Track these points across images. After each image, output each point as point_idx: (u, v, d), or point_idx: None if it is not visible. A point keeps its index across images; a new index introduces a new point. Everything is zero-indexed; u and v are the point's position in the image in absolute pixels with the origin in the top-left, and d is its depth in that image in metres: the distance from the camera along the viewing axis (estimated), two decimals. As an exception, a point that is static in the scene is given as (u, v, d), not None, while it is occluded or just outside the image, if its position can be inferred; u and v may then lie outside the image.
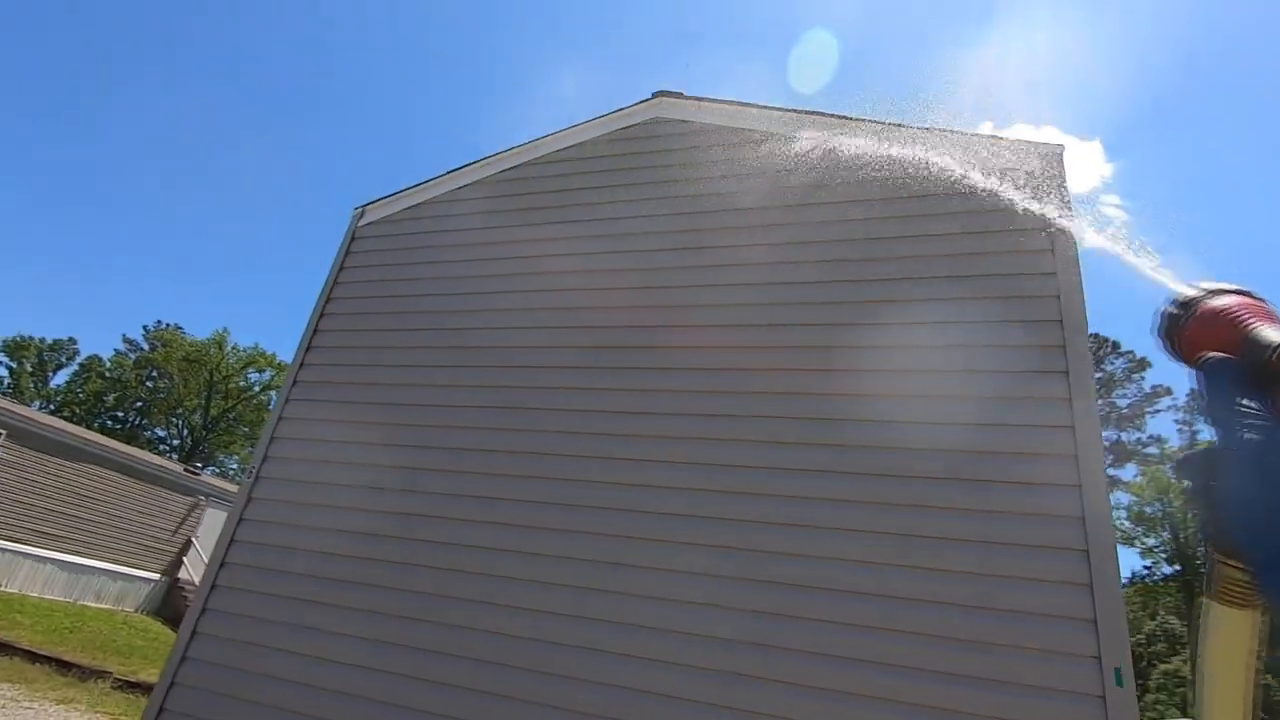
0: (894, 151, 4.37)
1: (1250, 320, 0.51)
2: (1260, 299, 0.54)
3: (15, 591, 15.89)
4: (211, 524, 20.79)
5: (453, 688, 3.90)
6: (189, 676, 4.42)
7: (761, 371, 4.19)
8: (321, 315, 5.53)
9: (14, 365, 43.39)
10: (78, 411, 41.92)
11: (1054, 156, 4.10)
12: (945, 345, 3.88)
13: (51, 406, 42.24)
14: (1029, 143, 4.25)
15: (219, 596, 4.66)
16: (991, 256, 4.03)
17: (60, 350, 45.12)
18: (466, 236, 5.53)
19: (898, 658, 3.26)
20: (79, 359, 45.22)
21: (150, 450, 29.03)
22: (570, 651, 3.73)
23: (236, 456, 47.98)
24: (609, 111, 5.55)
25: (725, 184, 4.92)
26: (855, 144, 4.59)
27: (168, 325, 46.10)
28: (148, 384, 44.76)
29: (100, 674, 11.56)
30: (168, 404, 44.37)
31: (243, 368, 45.98)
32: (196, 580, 18.99)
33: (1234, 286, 0.56)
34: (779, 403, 4.03)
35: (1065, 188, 3.96)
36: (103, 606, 17.48)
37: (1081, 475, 3.31)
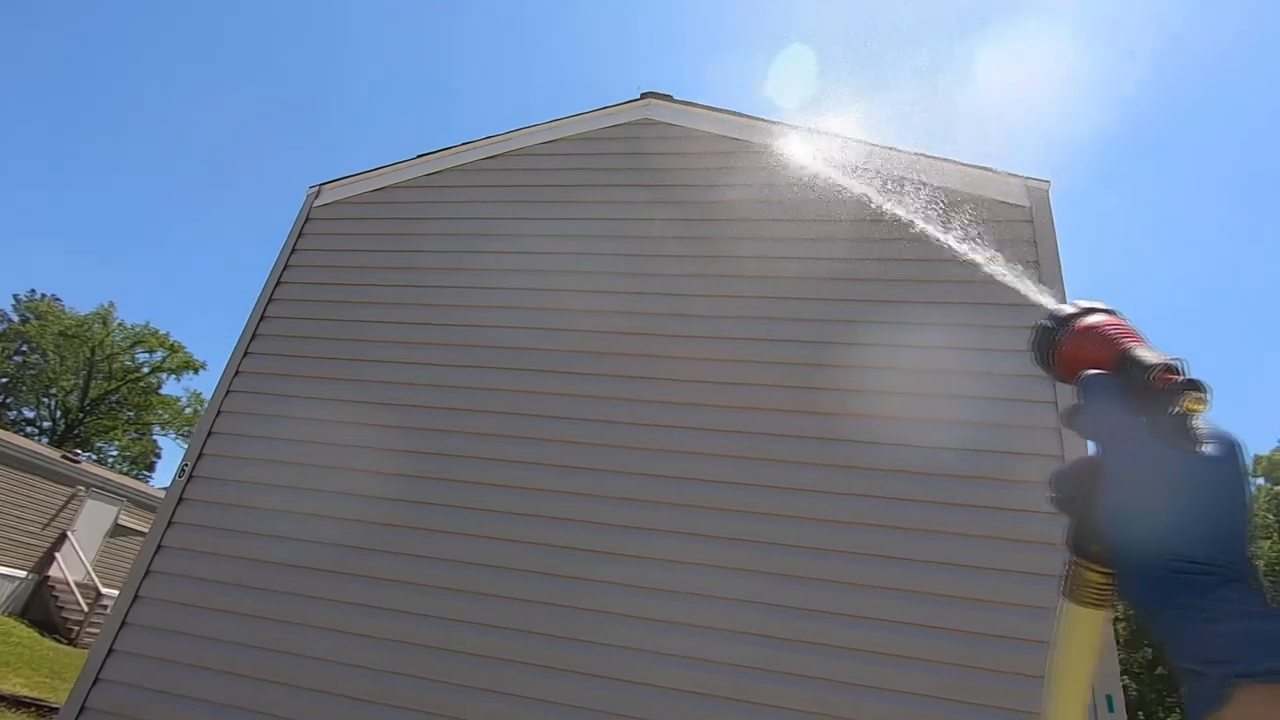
0: (870, 193, 4.41)
1: (1126, 340, 0.54)
2: (1125, 319, 0.58)
3: None
4: (92, 516, 18.91)
5: (412, 710, 3.62)
6: (103, 700, 3.90)
7: (749, 386, 4.13)
8: (270, 300, 5.07)
9: None
10: (-73, 386, 37.29)
11: (1040, 193, 4.25)
12: (944, 349, 3.94)
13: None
14: (1014, 176, 4.40)
15: (141, 609, 4.16)
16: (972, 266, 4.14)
17: (-92, 316, 39.98)
18: (435, 225, 5.22)
19: (888, 681, 3.26)
20: (-69, 327, 40.23)
21: (15, 432, 26.15)
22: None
23: (117, 443, 44.05)
24: (594, 109, 5.37)
25: (712, 191, 4.84)
26: (835, 173, 4.63)
27: (44, 295, 41.76)
28: (15, 358, 40.38)
29: (-45, 686, 10.23)
30: (40, 382, 40.14)
31: (130, 346, 42.22)
32: (71, 580, 17.23)
33: (1103, 305, 0.59)
34: (772, 419, 3.98)
35: (1051, 224, 4.11)
36: (-45, 607, 15.53)
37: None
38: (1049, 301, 0.63)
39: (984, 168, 4.57)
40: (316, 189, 5.48)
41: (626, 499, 3.94)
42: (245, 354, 4.89)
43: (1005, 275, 0.73)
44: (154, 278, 64.58)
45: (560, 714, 3.47)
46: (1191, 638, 0.43)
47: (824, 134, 4.93)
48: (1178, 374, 0.50)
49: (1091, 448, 0.54)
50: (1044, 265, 4.00)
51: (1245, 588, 0.43)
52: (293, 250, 5.26)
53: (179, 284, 66.58)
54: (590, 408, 4.27)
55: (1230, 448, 0.47)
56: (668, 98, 5.30)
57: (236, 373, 4.85)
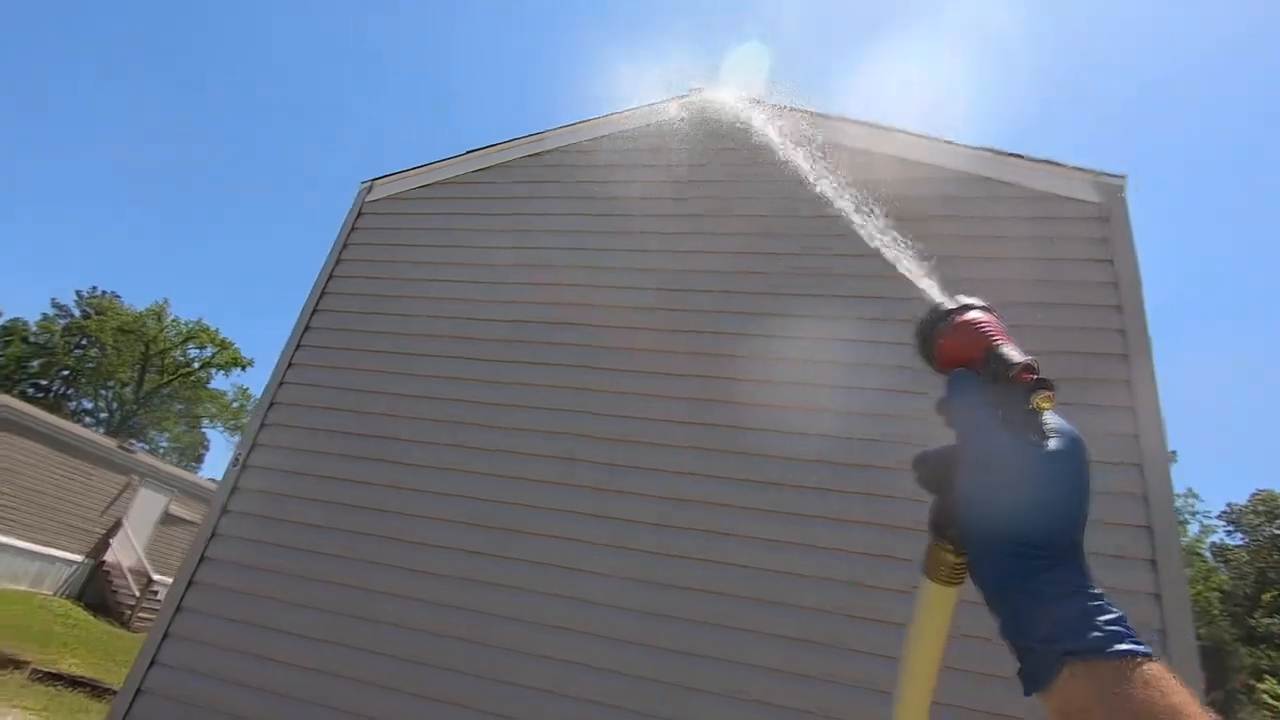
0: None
1: (995, 337, 0.57)
2: (998, 316, 0.60)
3: (-81, 568, 14.58)
4: (145, 505, 19.56)
5: (460, 707, 3.60)
6: (159, 683, 3.98)
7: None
8: (322, 294, 5.13)
9: (-76, 323, 40.18)
10: (-6, 376, 39.11)
11: (1113, 189, 4.05)
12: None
13: (-36, 369, 39.30)
14: (1085, 172, 4.20)
15: (195, 595, 4.23)
16: (1046, 241, 4.00)
17: (-22, 310, 41.94)
18: (479, 221, 5.22)
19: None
20: (0, 320, 42.19)
21: (75, 423, 27.20)
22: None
23: (168, 434, 45.61)
24: (645, 104, 5.32)
25: (741, 187, 4.74)
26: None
27: (104, 292, 43.49)
28: (76, 352, 42.10)
29: (17, 663, 10.64)
30: (98, 375, 41.79)
31: (182, 342, 43.69)
32: (124, 565, 17.84)
33: (980, 302, 0.61)
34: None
35: (1126, 222, 3.92)
36: (18, 589, 16.20)
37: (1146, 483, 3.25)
38: (935, 296, 0.65)
39: (1050, 161, 4.38)
40: (369, 184, 5.54)
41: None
42: (298, 346, 4.95)
43: (910, 269, 0.73)
44: (206, 274, 66.83)
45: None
46: (1024, 619, 0.46)
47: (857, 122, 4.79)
48: (1034, 373, 0.53)
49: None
50: (1119, 266, 3.81)
51: (1076, 570, 0.46)
52: (345, 245, 5.32)
53: (230, 280, 68.81)
54: (632, 402, 4.21)
55: (1073, 443, 0.51)
56: (716, 91, 5.21)
57: (289, 364, 4.91)
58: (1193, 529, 33.32)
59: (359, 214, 5.45)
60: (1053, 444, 0.50)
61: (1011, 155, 4.48)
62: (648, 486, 3.94)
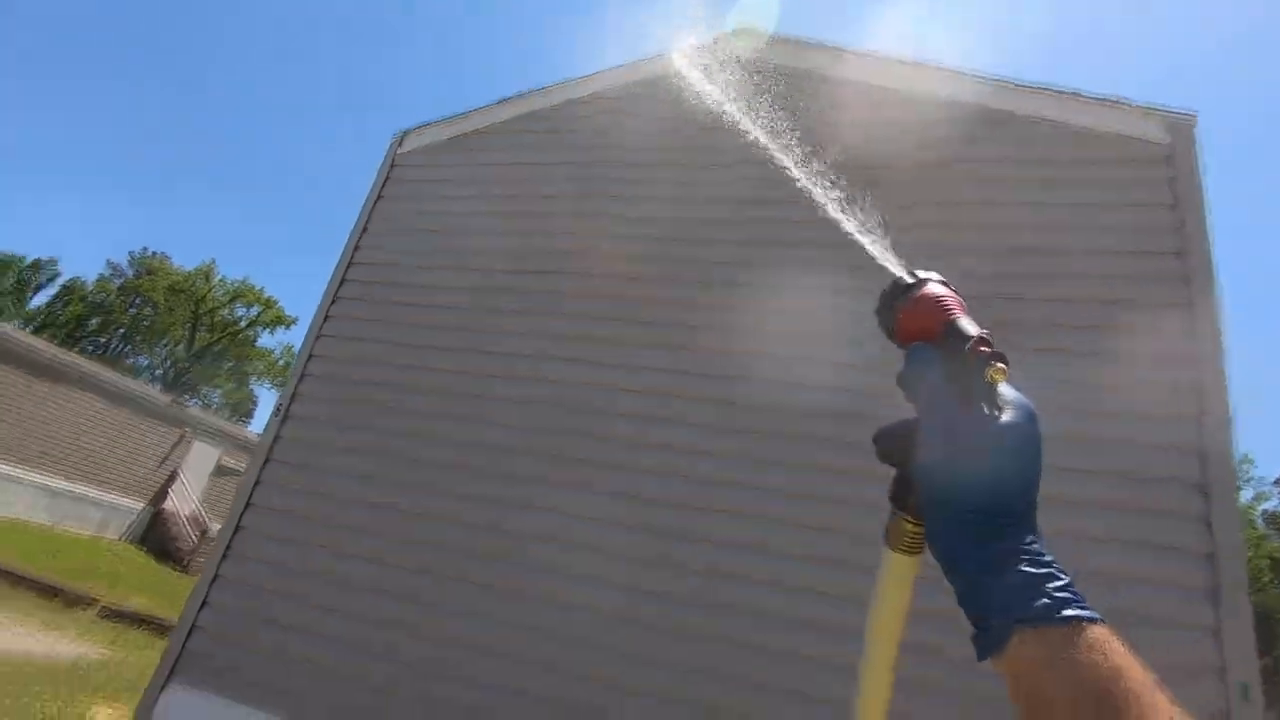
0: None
1: (955, 310, 0.59)
2: (954, 290, 0.61)
3: (-4, 513, 15.51)
4: (199, 457, 20.44)
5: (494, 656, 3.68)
6: (209, 620, 4.16)
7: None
8: (356, 248, 5.15)
9: (-7, 283, 41.98)
10: (58, 334, 40.89)
11: (1183, 129, 3.77)
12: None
13: (31, 327, 41.16)
14: (1152, 110, 3.92)
15: (241, 539, 4.38)
16: (1109, 184, 3.75)
17: (41, 270, 43.73)
18: (514, 172, 5.14)
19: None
20: (60, 280, 43.93)
21: (133, 379, 28.37)
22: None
23: (219, 390, 47.33)
24: (680, 46, 5.12)
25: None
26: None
27: (155, 253, 44.85)
28: (131, 310, 43.72)
29: (87, 601, 11.33)
30: (152, 333, 43.40)
31: (229, 301, 44.99)
32: (183, 512, 18.74)
33: (937, 276, 0.62)
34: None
35: (1196, 168, 3.65)
36: (84, 533, 17.18)
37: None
38: (893, 268, 0.65)
39: (1115, 100, 4.10)
40: (400, 136, 5.49)
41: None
42: (334, 300, 5.00)
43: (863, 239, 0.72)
44: (249, 234, 68.28)
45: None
46: (977, 586, 0.47)
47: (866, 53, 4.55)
48: (989, 346, 0.54)
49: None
50: (1185, 209, 3.56)
51: (1027, 538, 0.48)
52: (378, 198, 5.31)
53: (272, 238, 70.19)
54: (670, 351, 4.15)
55: (1026, 414, 0.53)
56: (762, 32, 4.99)
57: (326, 318, 4.97)
58: (1246, 495, 32.33)
59: (391, 166, 5.42)
60: (1006, 415, 0.52)
61: (1071, 94, 4.20)
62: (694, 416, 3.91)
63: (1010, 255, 3.81)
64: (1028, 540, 0.48)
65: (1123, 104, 4.03)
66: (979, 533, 0.48)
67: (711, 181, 4.63)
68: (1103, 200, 3.78)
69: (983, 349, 0.54)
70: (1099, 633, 0.43)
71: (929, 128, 4.23)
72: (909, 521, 0.59)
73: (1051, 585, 0.45)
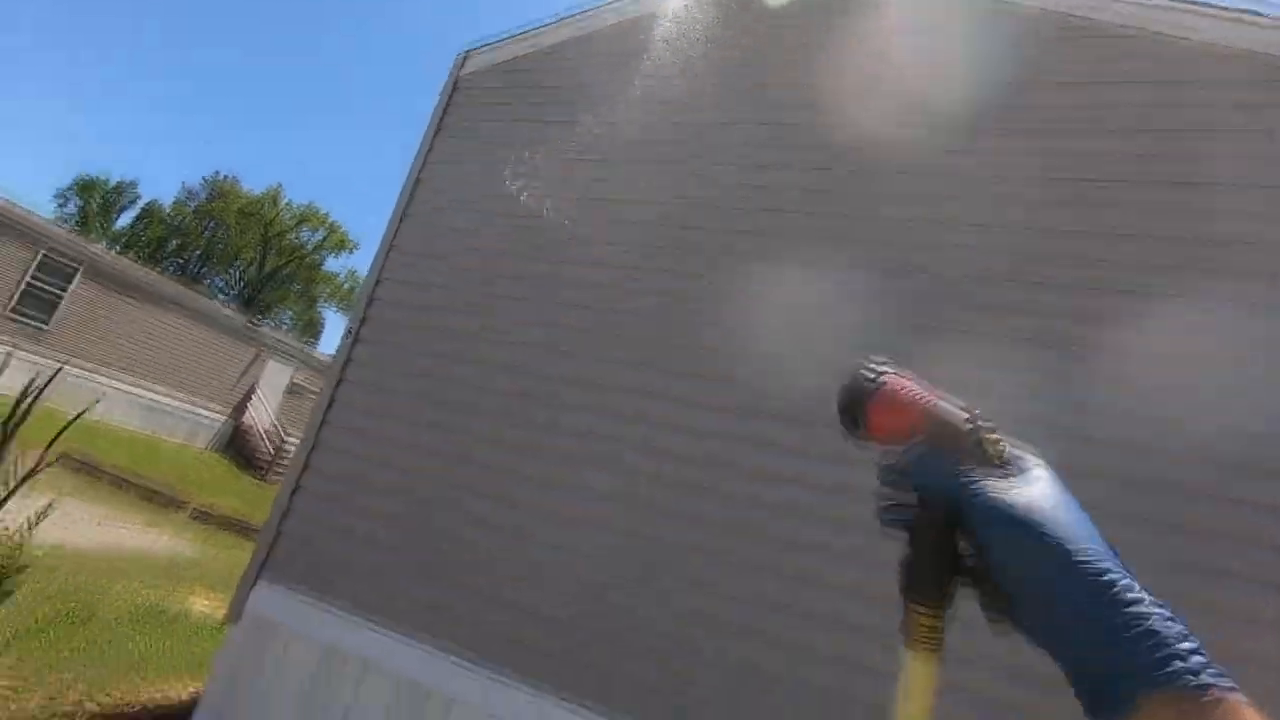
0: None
1: (925, 400, 0.57)
2: (910, 375, 0.60)
3: (95, 418, 16.80)
4: (273, 374, 21.55)
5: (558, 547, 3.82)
6: (292, 527, 4.45)
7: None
8: (421, 170, 5.13)
9: (83, 204, 44.23)
10: (142, 255, 43.08)
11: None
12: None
13: (117, 247, 43.45)
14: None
15: (318, 456, 4.62)
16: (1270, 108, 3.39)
17: (123, 193, 45.72)
18: (587, 92, 4.96)
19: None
20: (140, 203, 45.88)
21: (210, 299, 29.79)
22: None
23: (290, 311, 49.36)
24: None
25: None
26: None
27: (226, 176, 46.20)
28: (205, 233, 45.51)
29: (179, 504, 12.31)
30: (226, 255, 45.24)
31: (296, 225, 46.27)
32: (261, 426, 19.94)
33: (890, 366, 0.61)
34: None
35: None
36: (174, 441, 18.52)
37: None
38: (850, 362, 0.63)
39: (1250, 13, 3.63)
40: (464, 56, 5.36)
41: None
42: (401, 219, 5.03)
43: None
44: (315, 157, 69.48)
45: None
46: (1101, 649, 0.44)
47: None
48: (974, 420, 0.53)
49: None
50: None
51: (1144, 595, 0.45)
52: (441, 120, 5.24)
53: (337, 162, 71.30)
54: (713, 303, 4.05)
55: (1042, 462, 0.53)
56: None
57: (391, 247, 5.02)
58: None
59: (454, 87, 5.32)
60: (1037, 469, 0.52)
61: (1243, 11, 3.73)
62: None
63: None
64: (1145, 598, 0.45)
65: (1260, 16, 3.56)
66: (1110, 596, 0.44)
67: (798, 104, 4.37)
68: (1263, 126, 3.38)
69: (971, 425, 0.52)
70: (1235, 703, 0.40)
71: (1015, 43, 3.86)
72: (924, 614, 0.53)
73: (1183, 647, 0.42)
